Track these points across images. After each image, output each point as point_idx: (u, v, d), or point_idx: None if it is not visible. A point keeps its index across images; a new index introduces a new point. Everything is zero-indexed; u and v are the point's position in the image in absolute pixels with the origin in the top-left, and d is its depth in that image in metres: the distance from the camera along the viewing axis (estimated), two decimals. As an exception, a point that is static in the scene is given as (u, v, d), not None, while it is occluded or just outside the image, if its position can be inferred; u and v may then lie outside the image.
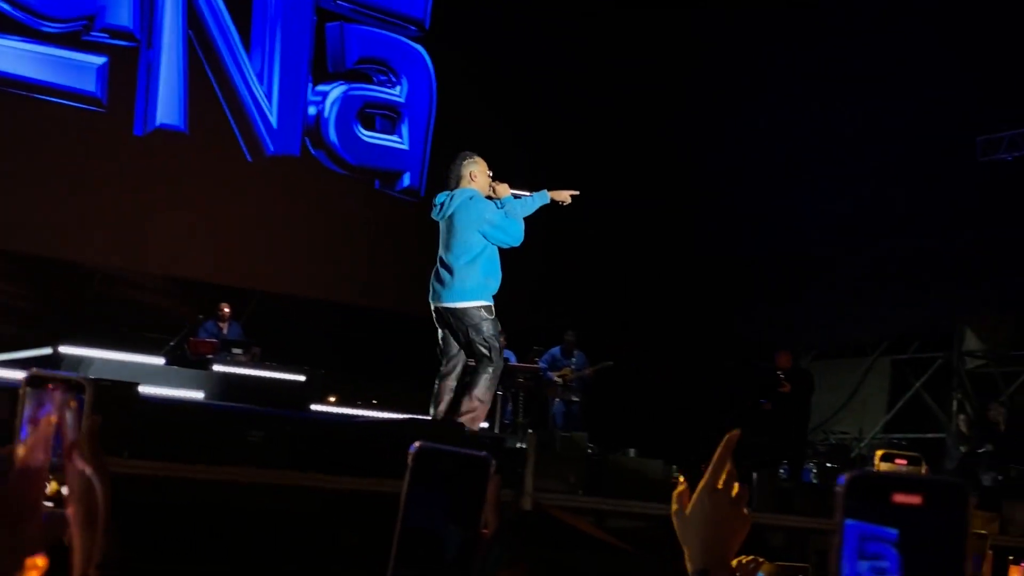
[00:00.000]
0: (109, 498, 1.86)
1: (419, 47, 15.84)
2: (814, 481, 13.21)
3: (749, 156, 16.12)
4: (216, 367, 11.86)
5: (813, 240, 16.00)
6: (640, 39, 16.34)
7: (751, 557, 3.69)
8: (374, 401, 13.18)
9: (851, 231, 15.78)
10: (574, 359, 14.46)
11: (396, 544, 1.42)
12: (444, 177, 8.45)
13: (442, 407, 8.07)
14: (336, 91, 15.11)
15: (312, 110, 14.99)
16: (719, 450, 1.90)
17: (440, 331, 8.29)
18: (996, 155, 14.68)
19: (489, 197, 8.27)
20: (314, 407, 11.83)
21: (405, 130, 15.69)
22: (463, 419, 7.84)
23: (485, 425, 12.27)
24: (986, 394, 17.28)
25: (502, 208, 8.19)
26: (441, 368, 8.29)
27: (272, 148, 14.63)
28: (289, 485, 5.92)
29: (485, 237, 8.08)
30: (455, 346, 8.21)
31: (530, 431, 9.77)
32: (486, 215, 8.06)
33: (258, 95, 14.54)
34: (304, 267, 14.97)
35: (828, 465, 15.04)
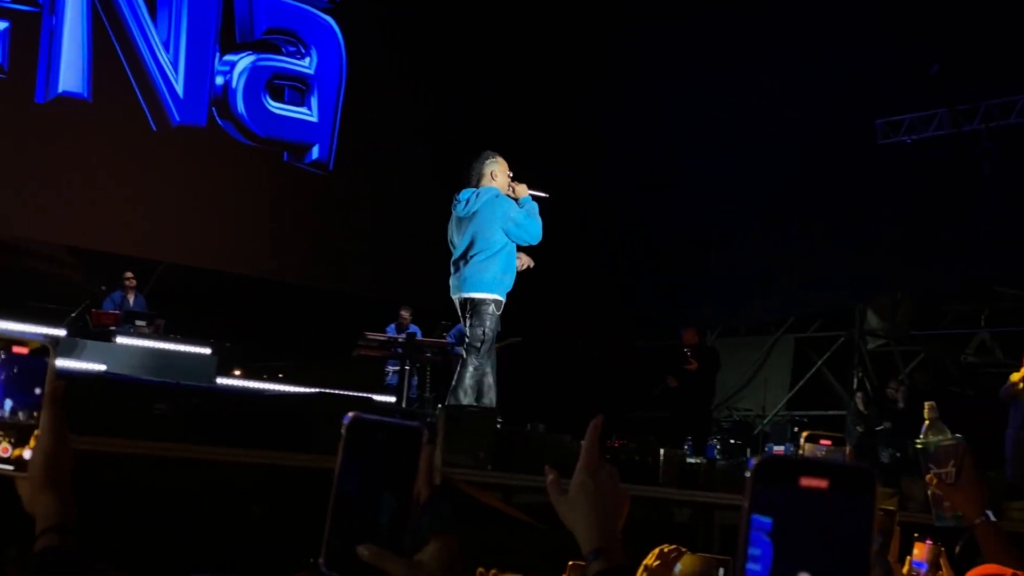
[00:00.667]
0: (71, 463, 1.88)
1: (329, 19, 15.69)
2: (718, 457, 13.36)
3: (656, 135, 16.19)
4: (119, 339, 11.70)
5: (718, 219, 16.13)
6: (551, 13, 16.33)
7: (673, 547, 3.70)
8: (280, 375, 13.08)
9: (756, 211, 15.94)
10: (482, 335, 14.45)
11: (330, 515, 1.41)
12: (464, 174, 8.77)
13: (486, 400, 8.57)
14: (244, 61, 14.92)
15: (219, 80, 14.78)
16: (588, 434, 1.93)
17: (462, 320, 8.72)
18: (896, 138, 14.91)
19: (508, 196, 8.62)
20: (220, 380, 11.73)
21: (314, 102, 15.55)
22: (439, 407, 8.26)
23: (391, 400, 12.26)
24: (886, 373, 17.62)
25: (522, 208, 8.56)
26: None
27: (178, 118, 14.41)
28: (196, 458, 5.84)
29: (507, 235, 8.48)
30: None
31: (440, 406, 9.77)
32: (510, 213, 8.44)
33: (164, 64, 14.30)
34: (209, 239, 14.76)
35: (732, 441, 15.25)
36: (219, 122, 14.78)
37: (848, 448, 2.34)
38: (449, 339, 13.94)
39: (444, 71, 15.99)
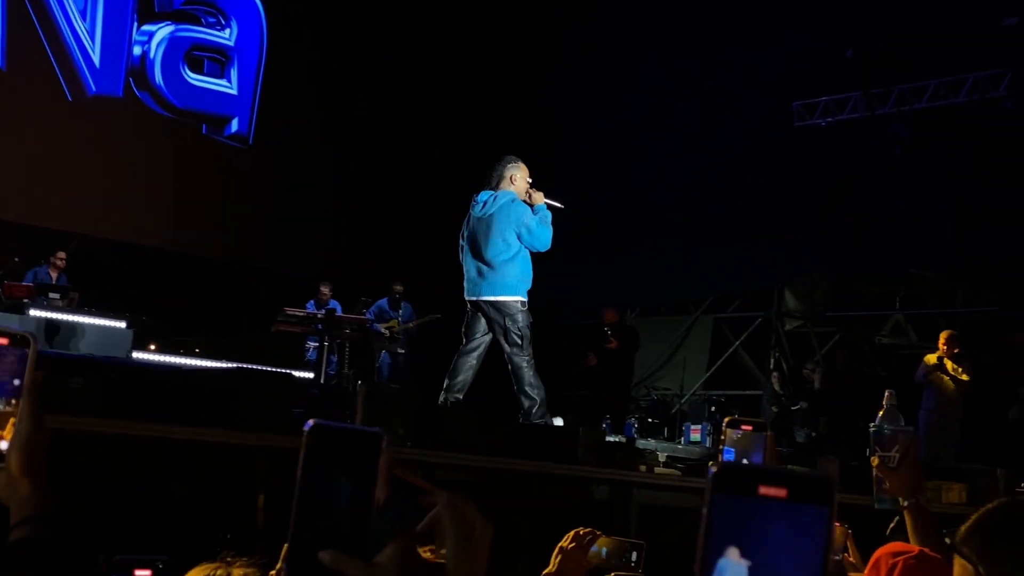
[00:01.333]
0: (47, 451, 1.89)
1: (250, -10, 15.54)
2: (635, 436, 13.46)
3: (576, 115, 16.22)
4: (33, 312, 11.49)
5: (639, 199, 16.20)
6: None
7: (588, 530, 3.73)
8: (197, 350, 12.93)
9: (677, 192, 16.02)
10: (401, 311, 14.43)
11: (292, 521, 1.42)
12: (485, 176, 9.05)
13: (459, 379, 8.85)
14: (163, 31, 14.71)
15: (137, 50, 14.57)
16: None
17: (468, 315, 9.03)
18: (811, 120, 15.07)
19: (524, 201, 8.93)
20: (136, 354, 11.59)
21: (234, 74, 15.38)
22: (535, 418, 8.64)
23: (310, 376, 12.19)
24: (802, 353, 17.85)
25: (536, 215, 8.85)
26: (462, 347, 9.01)
27: (94, 88, 14.19)
28: (113, 434, 5.77)
29: (519, 239, 8.77)
30: (480, 330, 8.92)
31: (360, 382, 9.75)
32: (524, 219, 8.74)
33: (80, 33, 14.06)
34: (126, 211, 14.55)
35: (650, 420, 15.35)
36: (136, 93, 14.57)
37: (769, 433, 2.37)
38: (368, 315, 13.90)
39: (365, 45, 15.89)
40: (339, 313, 13.24)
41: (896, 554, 2.85)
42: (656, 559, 3.74)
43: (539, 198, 8.91)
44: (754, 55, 14.66)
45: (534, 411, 8.68)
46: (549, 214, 8.91)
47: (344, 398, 8.61)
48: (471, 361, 8.93)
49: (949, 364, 13.03)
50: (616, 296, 15.55)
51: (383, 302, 14.43)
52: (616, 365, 14.50)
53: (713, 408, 15.39)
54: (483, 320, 8.89)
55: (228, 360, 11.53)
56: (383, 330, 14.11)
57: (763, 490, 1.11)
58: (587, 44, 15.77)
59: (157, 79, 14.62)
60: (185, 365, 11.76)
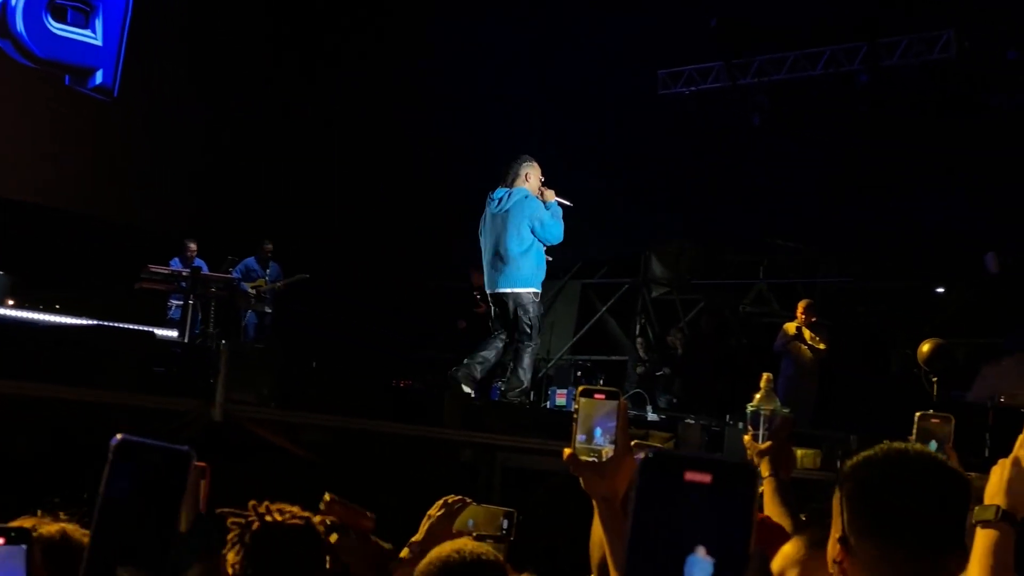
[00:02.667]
0: None
1: (117, -62, 15.15)
2: (502, 399, 13.52)
3: (441, 82, 16.19)
4: None
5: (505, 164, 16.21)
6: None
7: (458, 498, 3.74)
8: (57, 306, 12.64)
9: (547, 157, 16.07)
10: (269, 270, 14.29)
11: (92, 536, 1.38)
12: (501, 173, 9.71)
13: (482, 353, 9.65)
14: (25, -22, 14.28)
15: (-2, -4, 14.13)
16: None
17: (492, 309, 9.84)
18: (676, 88, 15.23)
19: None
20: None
21: (99, 25, 15.00)
22: (512, 395, 9.48)
23: (173, 335, 12.02)
24: (668, 320, 18.08)
25: (548, 211, 9.51)
26: (495, 333, 9.79)
27: (-49, 35, 13.74)
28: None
29: (532, 232, 9.41)
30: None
31: (222, 341, 9.64)
32: (538, 213, 9.40)
33: (-63, -24, 13.59)
34: (-16, 163, 14.16)
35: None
36: (-3, 41, 14.15)
37: (622, 400, 2.39)
38: (235, 274, 13.73)
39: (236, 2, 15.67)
40: (205, 271, 13.06)
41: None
42: (521, 523, 3.77)
43: (550, 195, 9.57)
44: (620, 23, 14.76)
45: (515, 391, 9.46)
46: (560, 210, 9.56)
47: (207, 357, 8.49)
48: (498, 344, 9.70)
49: (807, 333, 13.34)
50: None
51: (251, 260, 14.27)
52: (485, 329, 14.54)
53: (579, 373, 15.52)
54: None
55: (89, 317, 11.30)
56: (250, 289, 13.96)
57: (689, 476, 1.14)
58: (450, 10, 15.72)
59: (18, 27, 14.19)
60: (42, 321, 11.49)
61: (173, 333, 12.21)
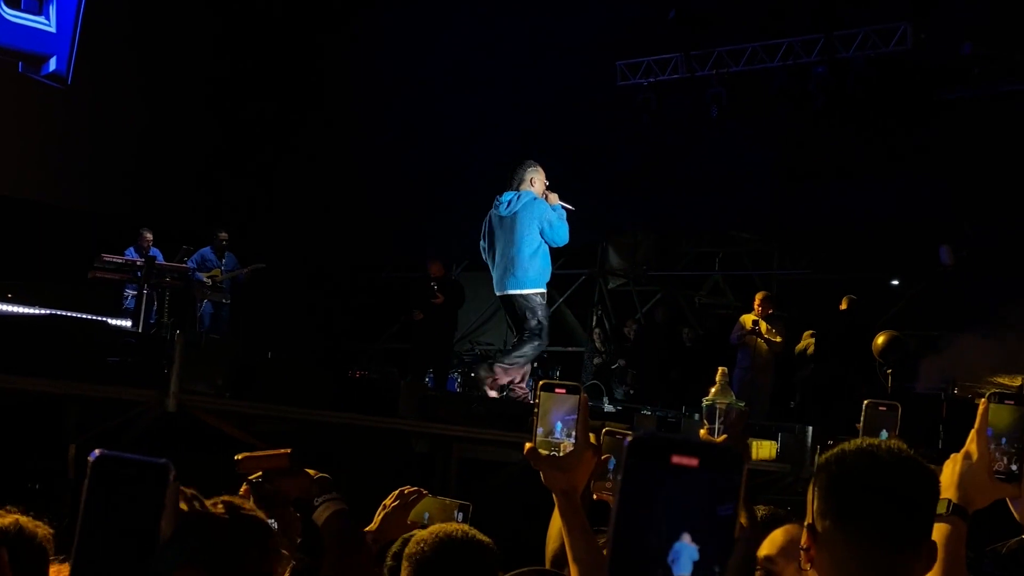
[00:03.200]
0: None
1: (72, -77, 15.00)
2: (458, 390, 13.51)
3: (397, 70, 16.15)
4: None
5: (462, 154, 16.18)
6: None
7: (413, 489, 3.73)
8: (9, 295, 12.50)
9: (504, 147, 16.06)
10: (225, 260, 14.20)
11: (74, 552, 1.37)
12: (507, 177, 9.83)
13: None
14: (-23, -37, 14.13)
15: (-50, -19, 13.96)
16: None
17: (505, 311, 10.23)
18: (634, 80, 15.25)
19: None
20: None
21: (52, 12, 14.87)
22: (506, 361, 9.90)
23: (127, 324, 11.92)
24: (624, 311, 18.09)
25: (554, 213, 9.68)
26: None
27: (-99, 20, 13.56)
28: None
29: (541, 234, 9.58)
30: None
31: (177, 331, 9.56)
32: (546, 215, 9.58)
33: None
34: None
35: (472, 375, 15.41)
36: (-53, 27, 13.99)
37: (583, 395, 2.39)
38: (190, 264, 13.64)
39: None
40: (160, 261, 12.96)
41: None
42: (476, 514, 3.76)
43: (554, 199, 9.73)
44: (579, 13, 14.76)
45: (506, 362, 9.84)
46: (564, 212, 9.71)
47: (162, 347, 8.43)
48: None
49: (763, 325, 13.41)
50: (441, 250, 15.52)
51: (206, 250, 14.17)
52: (440, 319, 14.53)
53: (535, 364, 15.52)
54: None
55: (41, 307, 11.18)
56: (205, 279, 13.87)
57: (676, 459, 1.13)
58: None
59: (-31, 13, 14.05)
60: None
61: (127, 323, 12.10)
